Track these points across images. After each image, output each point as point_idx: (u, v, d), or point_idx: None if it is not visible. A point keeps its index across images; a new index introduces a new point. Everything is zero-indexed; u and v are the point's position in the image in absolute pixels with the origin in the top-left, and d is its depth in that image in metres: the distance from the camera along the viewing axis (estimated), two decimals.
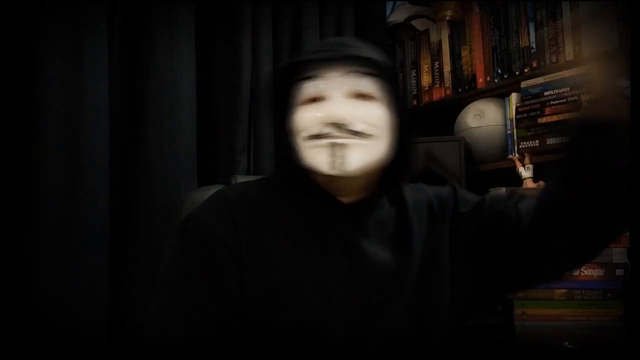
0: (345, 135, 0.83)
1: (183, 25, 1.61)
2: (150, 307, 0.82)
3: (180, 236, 0.85)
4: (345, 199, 0.90)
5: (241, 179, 1.29)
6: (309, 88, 0.86)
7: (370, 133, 0.84)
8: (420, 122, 2.14)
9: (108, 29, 1.50)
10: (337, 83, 0.85)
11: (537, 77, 1.66)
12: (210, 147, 1.68)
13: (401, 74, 2.10)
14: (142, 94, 1.55)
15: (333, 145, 0.83)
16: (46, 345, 1.30)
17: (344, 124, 0.83)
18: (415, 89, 2.03)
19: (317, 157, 0.84)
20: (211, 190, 0.94)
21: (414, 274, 0.88)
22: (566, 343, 1.23)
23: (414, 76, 2.04)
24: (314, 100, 0.86)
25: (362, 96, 0.85)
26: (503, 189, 1.44)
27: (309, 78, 0.86)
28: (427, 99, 1.99)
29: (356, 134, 0.83)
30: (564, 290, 1.35)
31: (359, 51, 0.88)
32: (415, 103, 2.03)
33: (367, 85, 0.86)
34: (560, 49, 1.61)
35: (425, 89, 2.00)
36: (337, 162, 0.82)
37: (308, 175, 0.88)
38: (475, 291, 0.92)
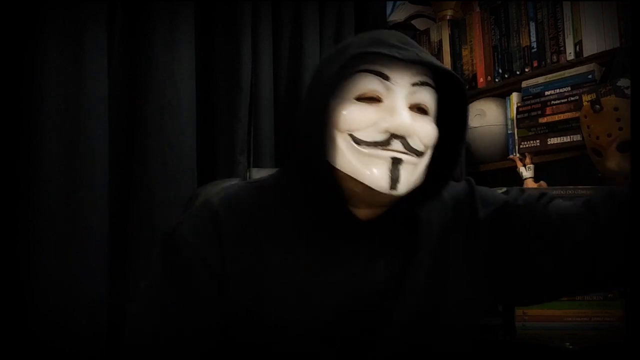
0: (403, 150, 0.75)
1: (183, 25, 1.61)
2: (128, 313, 0.80)
3: (163, 250, 0.81)
4: (360, 211, 0.81)
5: (257, 173, 1.23)
6: (371, 85, 0.76)
7: (422, 150, 0.77)
8: None
9: (108, 29, 1.50)
10: (403, 90, 0.76)
11: (538, 76, 1.66)
12: (210, 147, 1.68)
13: None
14: (142, 94, 1.55)
15: (393, 160, 0.74)
16: (46, 345, 1.30)
17: (404, 137, 0.75)
18: None
19: (371, 168, 0.74)
20: (222, 184, 0.90)
21: (418, 292, 0.81)
22: (567, 344, 1.22)
23: None
24: (371, 99, 0.76)
25: (419, 109, 0.78)
26: (503, 189, 1.43)
27: (371, 72, 0.76)
28: None
29: (413, 151, 0.76)
30: None
31: (430, 58, 0.79)
32: None
33: (427, 98, 0.78)
34: (561, 48, 1.61)
35: None
36: (395, 180, 0.74)
37: (337, 180, 0.78)
38: (490, 299, 0.87)
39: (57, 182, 1.37)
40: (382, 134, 0.74)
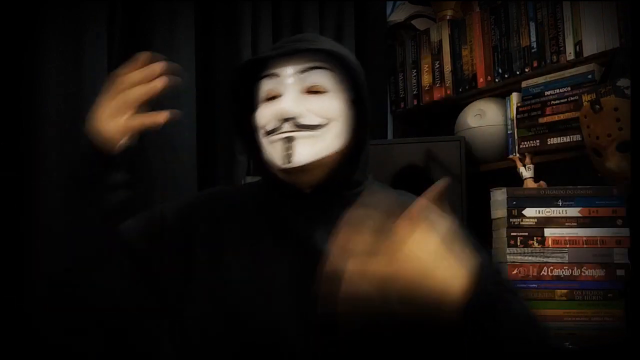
0: (294, 128, 0.88)
1: (183, 25, 1.61)
2: None
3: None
4: (307, 191, 0.94)
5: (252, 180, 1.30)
6: (267, 86, 0.92)
7: (319, 124, 0.89)
8: (420, 122, 2.14)
9: (108, 29, 1.50)
10: (290, 80, 0.90)
11: (537, 76, 1.65)
12: (211, 147, 1.68)
13: (401, 74, 2.09)
14: None
15: (285, 139, 0.88)
16: (46, 345, 1.30)
17: (293, 117, 0.88)
18: (416, 89, 2.03)
19: (272, 152, 0.90)
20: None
21: None
22: (567, 343, 1.23)
23: (414, 76, 2.04)
24: (273, 97, 0.91)
25: (314, 91, 0.90)
26: (503, 189, 1.44)
27: (267, 76, 0.92)
28: (427, 98, 1.99)
29: (305, 127, 0.88)
30: (565, 291, 1.35)
31: (310, 44, 0.92)
32: (415, 103, 2.03)
33: (319, 79, 0.90)
34: (561, 48, 1.61)
35: (426, 88, 1.99)
36: (288, 155, 0.87)
37: (270, 169, 0.94)
38: None
39: (57, 182, 1.36)
40: (277, 121, 0.89)
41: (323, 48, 0.91)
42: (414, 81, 2.04)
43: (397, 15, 2.13)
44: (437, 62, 1.97)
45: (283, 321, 0.85)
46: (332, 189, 0.94)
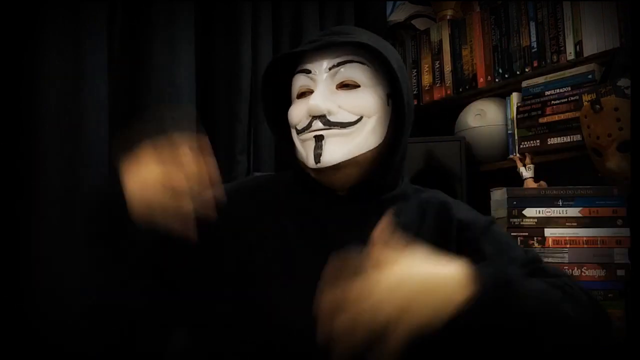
0: (324, 126, 0.84)
1: (183, 25, 1.61)
2: None
3: None
4: (342, 191, 0.90)
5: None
6: (300, 82, 0.89)
7: (351, 121, 0.85)
8: (420, 122, 2.13)
9: (108, 29, 1.50)
10: (322, 75, 0.86)
11: (538, 76, 1.66)
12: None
13: None
14: (142, 94, 1.55)
15: (316, 137, 0.85)
16: (46, 344, 1.30)
17: (323, 115, 0.84)
18: (416, 89, 2.03)
19: (306, 150, 0.86)
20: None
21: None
22: None
23: (414, 76, 2.04)
24: (304, 94, 0.89)
25: (347, 85, 0.87)
26: (503, 189, 1.44)
27: (301, 72, 0.89)
28: (427, 98, 1.99)
29: (336, 124, 0.84)
30: None
31: (344, 37, 0.87)
32: (415, 103, 2.03)
33: (352, 73, 0.86)
34: (561, 48, 1.61)
35: (426, 88, 1.99)
36: (318, 154, 0.84)
37: (303, 169, 0.91)
38: None
39: (57, 182, 1.37)
40: (307, 118, 0.86)
41: (356, 41, 0.86)
42: (414, 81, 2.04)
43: (397, 15, 2.13)
44: (437, 62, 1.97)
45: (310, 325, 0.80)
46: (367, 192, 0.89)
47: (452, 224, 0.89)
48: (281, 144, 0.95)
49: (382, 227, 0.70)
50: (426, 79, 2.00)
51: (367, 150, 0.87)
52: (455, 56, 1.91)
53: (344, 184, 0.89)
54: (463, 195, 1.68)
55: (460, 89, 1.89)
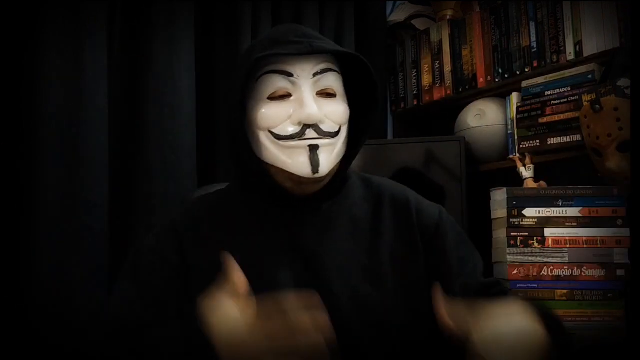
0: (317, 136, 0.83)
1: (183, 25, 1.61)
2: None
3: (133, 256, 0.91)
4: (301, 196, 0.89)
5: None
6: (278, 83, 0.84)
7: (336, 131, 0.86)
8: (420, 122, 2.14)
9: (108, 29, 1.50)
10: (307, 82, 0.84)
11: (538, 76, 1.65)
12: (210, 147, 1.68)
13: (401, 74, 2.09)
14: (142, 94, 1.55)
15: (310, 147, 0.83)
16: (46, 344, 1.30)
17: (316, 124, 0.83)
18: (416, 89, 2.03)
19: (294, 158, 0.83)
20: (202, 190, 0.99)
21: (385, 274, 0.88)
22: None
23: (414, 76, 2.04)
24: (282, 96, 0.85)
25: (327, 94, 0.86)
26: (503, 189, 1.44)
27: (276, 72, 0.84)
28: (427, 98, 1.99)
29: (326, 134, 0.84)
30: (565, 291, 1.35)
31: (328, 44, 0.87)
32: (415, 103, 2.03)
33: (331, 82, 0.86)
34: (561, 48, 1.61)
35: (426, 88, 1.99)
36: (315, 165, 0.83)
37: (268, 172, 0.87)
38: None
39: (58, 182, 1.37)
40: (296, 126, 0.83)
41: (345, 51, 0.88)
42: (414, 81, 2.04)
43: (397, 15, 2.13)
44: (437, 62, 1.97)
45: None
46: (328, 196, 0.91)
47: (412, 218, 0.92)
48: (238, 145, 0.89)
49: (442, 303, 0.73)
50: (426, 79, 2.00)
51: (341, 158, 0.88)
52: (455, 56, 1.91)
53: (314, 190, 0.89)
54: (463, 195, 1.69)
55: (460, 89, 1.89)
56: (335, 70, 0.87)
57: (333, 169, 0.88)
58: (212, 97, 1.70)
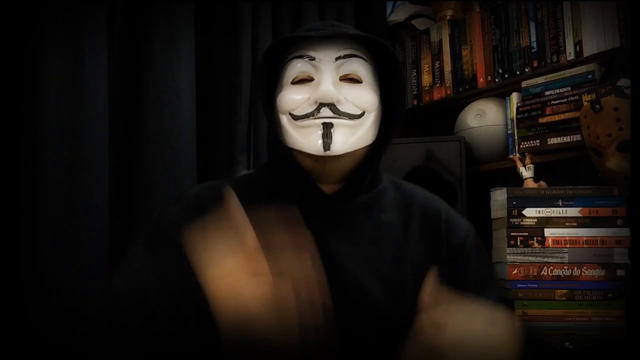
0: (333, 115, 0.83)
1: (183, 25, 1.61)
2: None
3: (152, 227, 0.88)
4: (328, 187, 0.89)
5: None
6: (301, 67, 0.86)
7: (356, 113, 0.85)
8: (420, 122, 2.14)
9: (108, 29, 1.50)
10: (328, 65, 0.85)
11: (538, 76, 1.66)
12: (210, 147, 1.68)
13: None
14: (142, 94, 1.55)
15: (324, 125, 0.83)
16: (46, 344, 1.30)
17: (332, 104, 0.83)
18: (416, 89, 2.03)
19: (307, 137, 0.84)
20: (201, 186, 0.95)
21: (406, 285, 0.85)
22: (567, 343, 1.22)
23: (414, 76, 2.04)
24: (304, 80, 0.86)
25: (351, 79, 0.86)
26: (503, 189, 1.44)
27: (301, 57, 0.87)
28: (427, 98, 1.99)
29: (344, 114, 0.84)
30: (565, 291, 1.35)
31: (352, 30, 0.88)
32: (415, 103, 2.03)
33: (357, 68, 0.86)
34: (561, 48, 1.61)
35: (426, 88, 1.99)
36: (327, 142, 0.82)
37: (293, 158, 0.87)
38: None
39: (57, 182, 1.37)
40: (313, 105, 0.84)
41: (367, 35, 0.87)
42: (414, 81, 2.04)
43: (397, 15, 2.13)
44: (437, 62, 1.97)
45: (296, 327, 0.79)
46: (353, 192, 0.89)
47: (441, 231, 0.91)
48: (272, 131, 0.90)
49: (430, 288, 0.71)
50: (426, 79, 2.00)
51: (366, 144, 0.87)
52: (455, 56, 1.91)
53: (336, 175, 0.88)
54: (463, 195, 1.68)
55: (460, 89, 1.89)
56: (361, 57, 0.87)
57: (360, 162, 0.88)
58: (212, 97, 1.70)
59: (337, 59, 0.86)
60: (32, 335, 1.29)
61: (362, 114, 0.86)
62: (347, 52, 0.86)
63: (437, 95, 1.95)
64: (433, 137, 1.82)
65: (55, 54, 1.39)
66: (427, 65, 2.00)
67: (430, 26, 2.03)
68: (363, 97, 0.86)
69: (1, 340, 1.28)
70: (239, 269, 0.68)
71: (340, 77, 0.86)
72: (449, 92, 1.92)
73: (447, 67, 1.93)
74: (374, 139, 0.88)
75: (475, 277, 0.90)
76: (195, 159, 1.61)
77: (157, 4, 1.57)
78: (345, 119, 0.84)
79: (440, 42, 1.96)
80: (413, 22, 2.12)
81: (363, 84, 0.87)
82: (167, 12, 1.58)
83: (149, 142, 1.53)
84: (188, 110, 1.60)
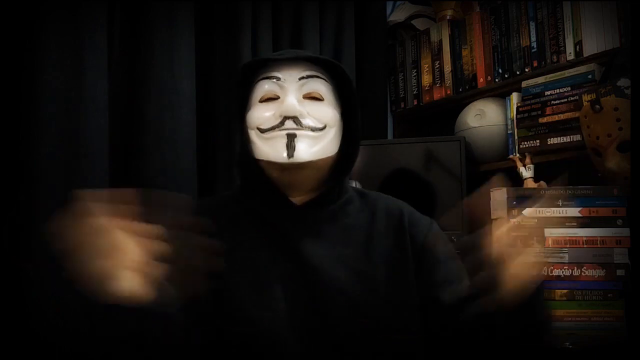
0: (296, 126, 0.92)
1: (183, 25, 1.61)
2: None
3: None
4: (297, 199, 0.98)
5: None
6: (268, 87, 0.96)
7: (319, 126, 0.94)
8: (420, 122, 2.14)
9: (108, 29, 1.50)
10: (292, 84, 0.95)
11: (537, 76, 1.66)
12: (210, 147, 1.68)
13: (401, 74, 2.09)
14: (142, 94, 1.55)
15: (288, 135, 0.91)
16: (46, 344, 1.30)
17: (296, 117, 0.92)
18: (416, 89, 2.03)
19: (273, 146, 0.92)
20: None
21: (378, 278, 0.93)
22: (567, 343, 1.22)
23: (414, 76, 2.04)
24: (271, 99, 0.95)
25: (313, 98, 0.95)
26: (503, 189, 1.44)
27: (268, 78, 0.96)
28: (427, 98, 1.99)
29: (307, 127, 0.93)
30: (565, 291, 1.35)
31: (312, 54, 1.01)
32: (415, 103, 2.03)
33: (318, 86, 0.96)
34: (561, 48, 1.61)
35: (426, 88, 1.99)
36: (291, 151, 0.90)
37: (262, 171, 0.96)
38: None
39: (57, 182, 1.36)
40: (278, 118, 0.93)
41: (325, 58, 0.97)
42: (414, 81, 2.04)
43: (397, 15, 2.13)
44: (437, 62, 1.97)
45: (278, 328, 0.87)
46: (319, 203, 0.97)
47: (404, 224, 0.99)
48: (243, 147, 0.99)
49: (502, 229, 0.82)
50: (426, 79, 2.00)
51: (328, 155, 0.95)
52: (455, 56, 1.91)
53: (302, 186, 0.97)
54: (463, 195, 1.68)
55: (460, 89, 1.89)
56: (322, 78, 0.97)
57: (323, 175, 0.97)
58: (212, 97, 1.70)
59: (300, 78, 0.95)
60: (32, 335, 1.29)
61: (324, 127, 0.94)
62: (309, 72, 0.96)
63: (437, 95, 1.96)
64: (433, 137, 1.82)
65: (55, 54, 1.39)
66: (427, 66, 2.00)
67: (430, 26, 2.03)
68: (324, 113, 0.95)
69: (1, 340, 1.28)
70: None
71: (303, 95, 0.95)
72: (449, 92, 1.92)
73: (447, 67, 1.93)
74: (335, 150, 0.97)
75: (445, 265, 0.96)
76: (195, 159, 1.61)
77: (157, 4, 1.57)
78: (307, 131, 0.92)
79: (440, 42, 1.96)
80: (413, 22, 2.13)
81: (324, 101, 0.96)
82: (167, 12, 1.58)
83: (149, 142, 1.53)
84: (188, 111, 1.60)
